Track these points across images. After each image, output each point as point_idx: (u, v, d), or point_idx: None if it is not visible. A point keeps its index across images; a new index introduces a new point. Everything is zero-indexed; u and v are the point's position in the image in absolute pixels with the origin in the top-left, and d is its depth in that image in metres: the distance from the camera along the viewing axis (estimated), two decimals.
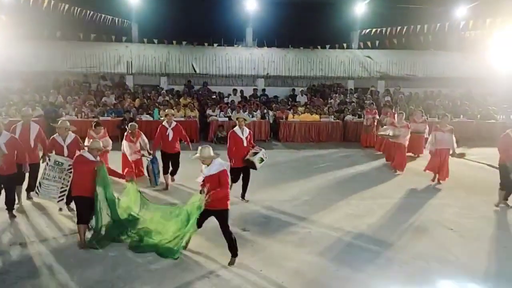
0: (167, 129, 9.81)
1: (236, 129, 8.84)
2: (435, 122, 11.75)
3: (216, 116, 16.60)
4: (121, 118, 15.37)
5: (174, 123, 9.93)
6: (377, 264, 6.25)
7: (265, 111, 17.32)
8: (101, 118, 15.48)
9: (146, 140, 10.49)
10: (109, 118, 15.61)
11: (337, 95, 20.09)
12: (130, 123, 10.62)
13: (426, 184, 10.66)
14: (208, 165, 6.06)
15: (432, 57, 23.99)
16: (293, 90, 20.86)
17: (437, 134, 10.44)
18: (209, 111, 16.95)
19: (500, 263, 6.38)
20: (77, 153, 7.46)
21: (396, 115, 13.19)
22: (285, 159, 13.52)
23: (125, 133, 10.32)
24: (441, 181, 10.59)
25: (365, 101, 18.48)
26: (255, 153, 8.56)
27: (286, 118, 16.79)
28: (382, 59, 23.92)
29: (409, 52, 24.35)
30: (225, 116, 16.57)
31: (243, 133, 8.77)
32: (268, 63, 22.39)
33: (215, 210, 5.96)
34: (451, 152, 10.44)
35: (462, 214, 8.51)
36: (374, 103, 17.04)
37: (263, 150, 8.72)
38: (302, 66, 22.59)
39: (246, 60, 22.32)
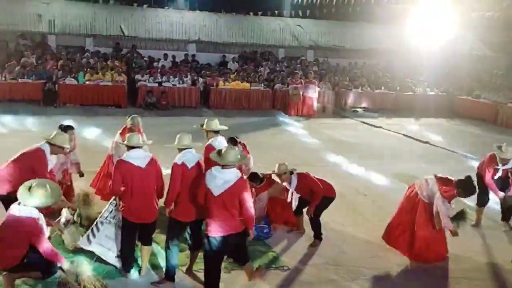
0: None
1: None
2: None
3: (145, 81, 16.26)
4: (43, 81, 14.70)
5: None
6: None
7: (196, 77, 17.23)
8: (20, 80, 14.73)
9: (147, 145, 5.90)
10: (29, 81, 14.81)
11: (267, 63, 20.37)
12: (132, 115, 6.86)
13: (343, 153, 11.35)
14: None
15: (359, 29, 24.77)
16: (224, 56, 20.82)
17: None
18: (137, 76, 16.56)
19: None
20: None
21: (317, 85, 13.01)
22: None
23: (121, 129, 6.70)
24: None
25: (295, 71, 18.95)
26: None
27: (217, 85, 16.83)
28: (313, 29, 24.38)
29: (338, 23, 24.99)
30: (154, 82, 16.28)
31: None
32: (200, 27, 22.02)
33: None
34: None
35: (374, 180, 9.31)
36: (299, 73, 17.74)
37: None
38: (234, 32, 22.49)
39: (177, 23, 21.79)
